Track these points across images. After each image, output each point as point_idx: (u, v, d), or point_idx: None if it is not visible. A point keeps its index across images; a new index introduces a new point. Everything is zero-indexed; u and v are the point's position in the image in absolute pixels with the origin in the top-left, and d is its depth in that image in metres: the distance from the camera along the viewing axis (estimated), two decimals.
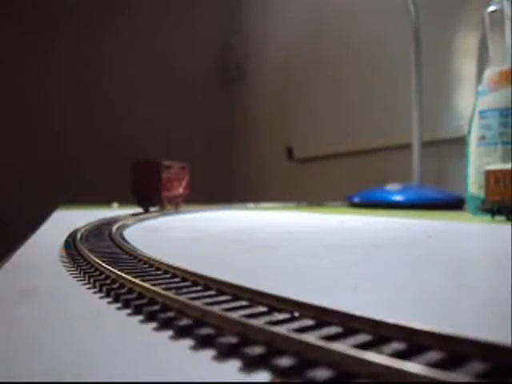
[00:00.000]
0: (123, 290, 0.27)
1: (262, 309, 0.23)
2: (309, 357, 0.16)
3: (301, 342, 0.17)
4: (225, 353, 0.18)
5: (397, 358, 0.15)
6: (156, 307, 0.24)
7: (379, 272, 0.37)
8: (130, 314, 0.24)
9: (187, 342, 0.20)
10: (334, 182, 2.01)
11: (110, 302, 0.27)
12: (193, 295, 0.25)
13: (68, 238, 0.51)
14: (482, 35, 1.01)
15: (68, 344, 0.20)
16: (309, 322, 0.20)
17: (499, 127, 0.93)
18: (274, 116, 2.51)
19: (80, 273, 0.34)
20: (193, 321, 0.21)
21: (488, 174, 0.84)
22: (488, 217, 0.85)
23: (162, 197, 1.14)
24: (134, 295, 0.26)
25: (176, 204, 1.25)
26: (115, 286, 0.29)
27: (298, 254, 0.47)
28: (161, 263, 0.33)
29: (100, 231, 0.59)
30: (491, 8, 0.97)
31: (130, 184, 1.10)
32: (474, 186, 0.97)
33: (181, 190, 1.29)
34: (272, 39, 2.51)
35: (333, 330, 0.19)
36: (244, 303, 0.24)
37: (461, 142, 1.06)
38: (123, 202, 1.57)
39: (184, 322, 0.21)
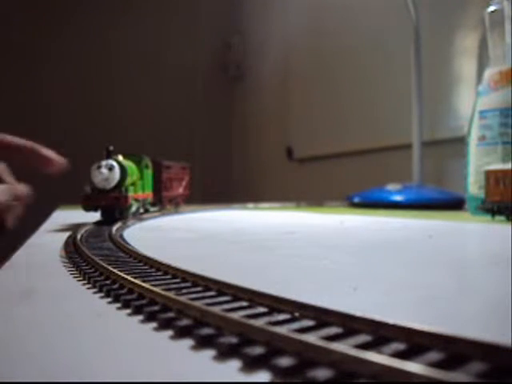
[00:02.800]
0: (123, 291, 0.27)
1: (262, 309, 0.23)
2: (309, 357, 0.16)
3: (301, 342, 0.17)
4: (225, 353, 0.18)
5: (397, 357, 0.15)
6: (156, 307, 0.24)
7: (379, 272, 0.37)
8: (130, 314, 0.24)
9: (187, 342, 0.20)
10: (334, 182, 2.01)
11: (110, 302, 0.27)
12: (193, 296, 0.25)
13: (68, 238, 0.51)
14: (482, 35, 1.01)
15: (68, 344, 0.20)
16: (309, 323, 0.20)
17: (499, 127, 0.93)
18: (273, 116, 2.51)
19: (80, 273, 0.34)
20: (193, 321, 0.21)
21: (488, 174, 0.84)
22: (488, 217, 0.85)
23: (162, 197, 1.13)
24: (134, 296, 0.26)
25: (176, 204, 1.25)
26: (115, 286, 0.29)
27: (298, 253, 0.47)
28: (161, 264, 0.33)
29: (100, 231, 0.59)
30: (491, 8, 0.97)
31: None
32: (473, 186, 0.97)
33: (181, 190, 1.30)
34: (272, 39, 2.51)
35: (333, 330, 0.19)
36: (244, 304, 0.24)
37: (461, 142, 1.06)
38: None
39: (184, 322, 0.21)
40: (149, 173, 1.02)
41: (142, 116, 2.44)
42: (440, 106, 1.57)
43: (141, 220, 0.89)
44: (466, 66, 1.50)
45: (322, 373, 0.15)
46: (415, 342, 0.17)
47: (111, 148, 0.80)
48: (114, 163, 0.78)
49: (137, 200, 0.89)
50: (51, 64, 2.27)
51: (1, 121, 2.01)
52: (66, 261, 0.40)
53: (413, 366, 0.14)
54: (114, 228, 0.60)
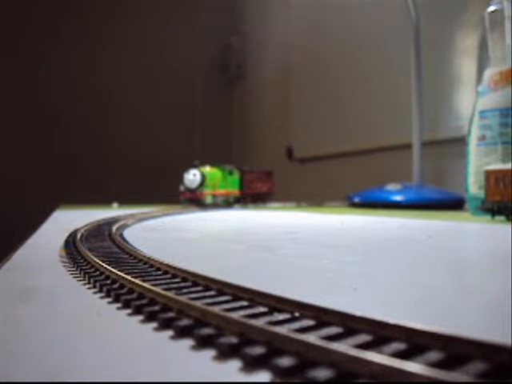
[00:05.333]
0: (123, 290, 0.27)
1: (262, 309, 0.23)
2: (309, 357, 0.16)
3: (301, 342, 0.17)
4: (225, 353, 0.18)
5: (397, 357, 0.15)
6: (156, 307, 0.24)
7: (379, 272, 0.37)
8: (130, 314, 0.24)
9: (187, 342, 0.20)
10: (334, 182, 2.01)
11: (110, 302, 0.27)
12: (193, 295, 0.25)
13: (68, 237, 0.51)
14: (482, 35, 1.01)
15: (68, 344, 0.20)
16: (309, 323, 0.20)
17: (499, 127, 0.93)
18: (274, 116, 2.51)
19: (80, 273, 0.34)
20: (193, 321, 0.21)
21: (488, 173, 0.84)
22: (488, 217, 0.85)
23: (243, 194, 1.55)
24: (135, 295, 0.26)
25: (263, 200, 1.66)
26: (115, 286, 0.29)
27: (298, 254, 0.47)
28: (161, 263, 0.33)
29: (100, 231, 0.59)
30: (491, 8, 0.97)
31: None
32: (474, 186, 0.97)
33: (265, 190, 1.69)
34: (272, 39, 2.51)
35: (333, 330, 0.19)
36: (244, 303, 0.24)
37: (461, 142, 1.06)
38: (123, 201, 1.57)
39: (184, 322, 0.21)
40: (234, 177, 1.50)
41: (142, 116, 2.44)
42: (440, 106, 1.57)
43: (141, 220, 0.89)
44: (466, 66, 1.50)
45: (322, 373, 0.15)
46: (415, 342, 0.17)
47: (196, 162, 1.35)
48: (197, 172, 1.33)
49: (214, 195, 1.38)
50: (52, 64, 2.26)
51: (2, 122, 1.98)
52: (66, 261, 0.40)
53: (413, 366, 0.14)
54: (114, 227, 0.60)
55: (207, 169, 1.40)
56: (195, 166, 1.34)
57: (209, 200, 1.36)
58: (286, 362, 0.16)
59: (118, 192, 1.73)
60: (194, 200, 1.32)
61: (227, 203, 1.48)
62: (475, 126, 0.98)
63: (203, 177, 1.33)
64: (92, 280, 0.31)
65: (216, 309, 0.21)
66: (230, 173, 1.51)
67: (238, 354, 0.18)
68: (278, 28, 2.43)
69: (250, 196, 1.62)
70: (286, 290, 0.24)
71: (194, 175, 1.32)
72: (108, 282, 0.30)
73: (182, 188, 1.33)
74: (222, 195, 1.43)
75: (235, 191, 1.52)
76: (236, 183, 1.53)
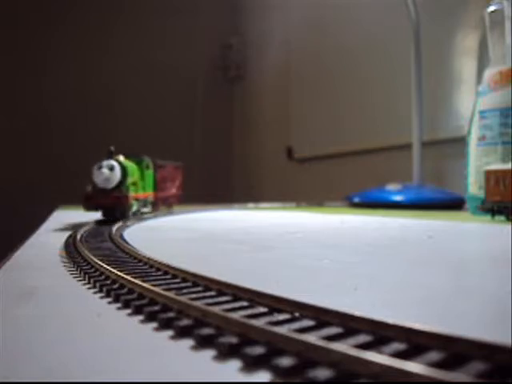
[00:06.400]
0: (123, 291, 0.27)
1: (262, 309, 0.23)
2: (309, 357, 0.16)
3: (301, 342, 0.17)
4: (225, 353, 0.18)
5: (397, 357, 0.15)
6: (156, 307, 0.24)
7: (380, 272, 0.37)
8: (130, 314, 0.24)
9: (187, 342, 0.20)
10: (334, 182, 2.01)
11: (110, 302, 0.27)
12: (193, 296, 0.25)
13: (68, 238, 0.51)
14: (482, 35, 1.01)
15: (68, 344, 0.20)
16: (309, 323, 0.20)
17: (499, 127, 0.93)
18: (274, 116, 2.51)
19: (80, 273, 0.34)
20: (193, 321, 0.21)
21: (488, 173, 0.84)
22: (488, 217, 0.85)
23: (156, 197, 1.06)
24: (135, 295, 0.26)
25: (169, 204, 1.19)
26: (115, 286, 0.29)
27: (298, 254, 0.47)
28: (161, 264, 0.33)
29: (100, 231, 0.59)
30: (491, 8, 0.97)
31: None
32: (473, 186, 0.97)
33: (174, 190, 1.24)
34: (272, 39, 2.51)
35: (333, 330, 0.19)
36: (244, 304, 0.24)
37: (461, 142, 1.06)
38: None
39: (184, 322, 0.21)
40: (150, 173, 1.01)
41: (142, 116, 2.44)
42: (440, 105, 1.57)
43: (141, 220, 0.89)
44: (466, 66, 1.50)
45: (322, 373, 0.15)
46: (415, 342, 0.17)
47: (112, 148, 0.80)
48: (115, 163, 0.78)
49: (137, 200, 0.89)
50: (51, 65, 2.26)
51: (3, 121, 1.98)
52: (66, 261, 0.40)
53: (413, 366, 0.14)
54: (114, 228, 0.60)
55: (121, 159, 0.83)
56: (110, 155, 0.79)
57: (135, 207, 0.87)
58: (285, 361, 0.16)
59: None
60: (111, 209, 0.77)
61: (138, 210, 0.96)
62: (475, 126, 0.98)
63: (124, 171, 0.79)
64: (92, 280, 0.31)
65: (216, 309, 0.21)
66: (147, 167, 0.99)
67: (238, 353, 0.18)
68: (278, 28, 2.43)
69: (162, 200, 1.13)
70: (286, 290, 0.24)
71: (111, 169, 0.76)
72: (108, 282, 0.30)
73: (89, 189, 0.78)
74: (141, 199, 0.94)
75: (151, 193, 1.02)
76: (151, 182, 1.02)
